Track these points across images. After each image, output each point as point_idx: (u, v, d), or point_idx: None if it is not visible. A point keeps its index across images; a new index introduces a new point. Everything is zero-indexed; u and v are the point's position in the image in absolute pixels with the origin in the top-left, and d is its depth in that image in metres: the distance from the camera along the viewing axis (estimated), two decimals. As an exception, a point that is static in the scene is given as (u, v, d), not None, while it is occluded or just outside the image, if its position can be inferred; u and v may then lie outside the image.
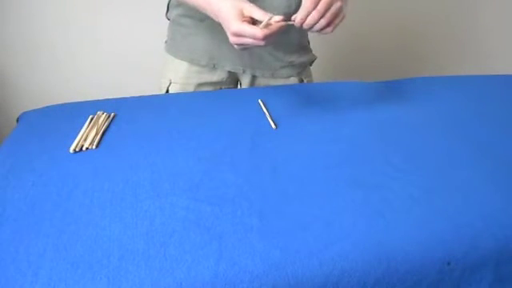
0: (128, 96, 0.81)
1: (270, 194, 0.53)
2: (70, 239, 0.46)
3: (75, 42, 1.46)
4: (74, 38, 1.45)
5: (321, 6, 0.59)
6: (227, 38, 0.85)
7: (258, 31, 0.60)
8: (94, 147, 0.64)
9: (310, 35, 0.96)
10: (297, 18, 0.61)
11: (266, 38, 0.60)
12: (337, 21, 0.62)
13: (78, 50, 1.47)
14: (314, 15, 0.60)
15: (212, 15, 0.69)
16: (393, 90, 0.84)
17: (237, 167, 0.58)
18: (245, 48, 0.65)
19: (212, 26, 0.84)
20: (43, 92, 1.50)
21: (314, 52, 0.97)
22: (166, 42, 0.93)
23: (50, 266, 0.42)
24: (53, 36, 1.43)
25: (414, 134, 0.67)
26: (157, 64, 0.96)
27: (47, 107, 0.77)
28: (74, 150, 0.62)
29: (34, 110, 0.77)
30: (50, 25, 1.42)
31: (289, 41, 0.88)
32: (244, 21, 0.62)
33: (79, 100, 0.79)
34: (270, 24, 0.61)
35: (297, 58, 0.91)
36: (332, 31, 0.63)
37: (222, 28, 0.81)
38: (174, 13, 0.88)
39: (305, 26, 0.61)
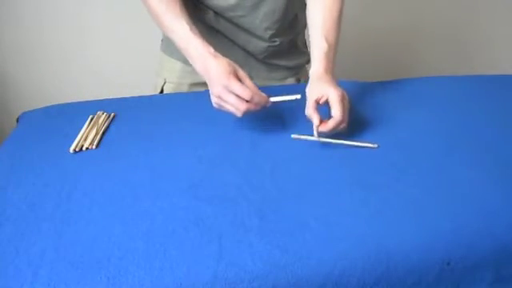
0: (128, 96, 0.81)
1: (270, 194, 0.53)
2: (70, 239, 0.46)
3: (75, 42, 1.46)
4: (73, 39, 1.45)
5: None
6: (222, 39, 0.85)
7: (246, 95, 0.61)
8: (93, 147, 0.64)
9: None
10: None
11: (245, 111, 0.62)
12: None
13: (77, 50, 1.47)
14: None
15: (199, 63, 0.67)
16: (393, 90, 0.83)
17: (237, 167, 0.58)
18: (221, 108, 0.64)
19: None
20: (43, 92, 1.50)
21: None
22: (162, 40, 0.93)
23: (50, 266, 0.42)
24: (52, 36, 1.43)
25: (414, 133, 0.67)
26: (157, 64, 0.96)
27: (47, 107, 0.77)
28: (74, 149, 0.62)
29: (34, 110, 0.77)
30: (49, 25, 1.41)
31: (286, 45, 0.87)
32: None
33: (79, 100, 0.79)
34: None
35: (294, 61, 0.91)
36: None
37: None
38: None
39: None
